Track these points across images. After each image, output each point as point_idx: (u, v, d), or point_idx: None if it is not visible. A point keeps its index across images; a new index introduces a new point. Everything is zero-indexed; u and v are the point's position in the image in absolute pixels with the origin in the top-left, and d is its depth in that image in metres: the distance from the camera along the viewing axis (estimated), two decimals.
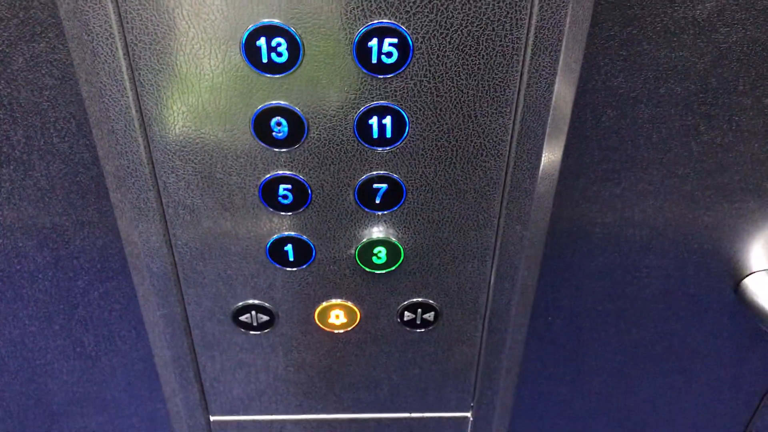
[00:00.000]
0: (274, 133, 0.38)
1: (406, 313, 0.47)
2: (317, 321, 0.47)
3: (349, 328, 0.47)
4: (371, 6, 0.34)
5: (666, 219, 0.49)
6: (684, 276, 0.52)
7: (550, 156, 0.40)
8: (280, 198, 0.41)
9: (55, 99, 0.42)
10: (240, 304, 0.46)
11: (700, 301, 0.54)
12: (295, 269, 0.44)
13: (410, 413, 0.54)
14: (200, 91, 0.36)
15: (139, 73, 0.36)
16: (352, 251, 0.43)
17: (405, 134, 0.38)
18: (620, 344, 0.57)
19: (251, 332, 0.47)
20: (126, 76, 0.36)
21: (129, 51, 0.35)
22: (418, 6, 0.34)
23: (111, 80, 0.36)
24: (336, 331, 0.48)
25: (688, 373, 0.60)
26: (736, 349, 0.58)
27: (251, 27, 0.34)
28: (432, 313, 0.47)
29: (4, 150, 0.44)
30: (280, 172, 0.40)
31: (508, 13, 0.34)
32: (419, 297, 0.46)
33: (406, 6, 0.34)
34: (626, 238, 0.50)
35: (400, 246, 0.43)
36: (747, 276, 0.52)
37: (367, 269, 0.44)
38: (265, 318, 0.47)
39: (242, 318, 0.46)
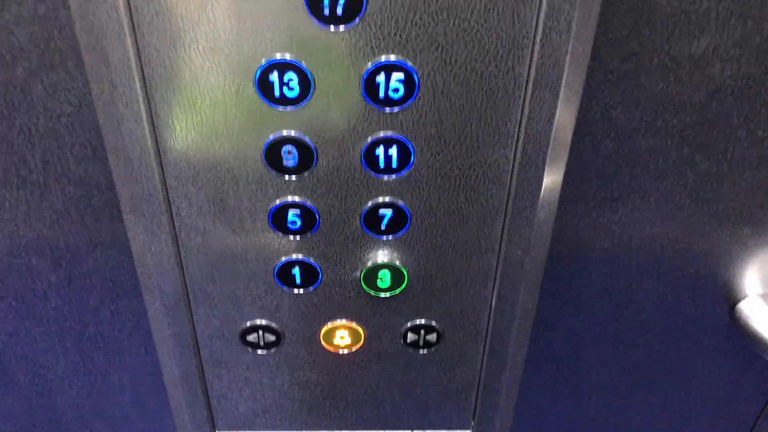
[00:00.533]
0: (284, 161, 0.39)
1: (409, 334, 0.48)
2: (322, 341, 0.48)
3: (353, 349, 0.49)
4: (379, 44, 0.35)
5: (663, 244, 0.50)
6: (680, 299, 0.54)
7: (550, 184, 0.41)
8: (288, 223, 0.42)
9: (72, 125, 0.43)
10: (248, 324, 0.47)
11: (696, 324, 0.55)
12: (301, 291, 0.46)
13: (411, 430, 0.55)
14: (214, 121, 0.38)
15: (156, 104, 0.37)
16: (358, 274, 0.45)
17: (410, 163, 0.40)
18: (618, 365, 0.59)
19: (258, 351, 0.49)
20: (143, 106, 0.37)
21: (146, 83, 0.37)
22: (424, 44, 0.35)
23: (128, 110, 0.37)
24: (340, 352, 0.49)
25: (684, 394, 0.61)
26: (732, 371, 0.59)
27: (265, 63, 0.36)
28: (434, 335, 0.48)
29: (22, 173, 0.45)
30: (290, 198, 0.41)
31: (510, 50, 0.36)
32: (422, 319, 0.47)
33: (412, 44, 0.35)
34: (624, 262, 0.51)
35: (404, 270, 0.44)
36: (741, 300, 0.53)
37: (372, 292, 0.45)
38: (272, 338, 0.48)
39: (249, 338, 0.48)
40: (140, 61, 0.36)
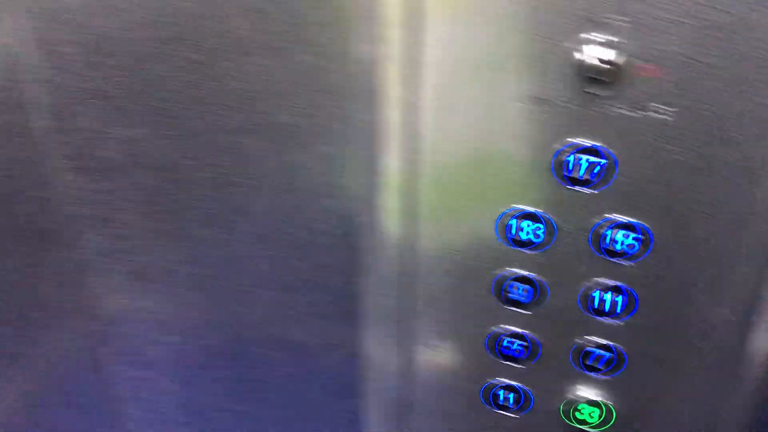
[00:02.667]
0: (510, 294, 0.43)
1: None
2: None
3: None
4: (618, 206, 0.39)
5: None
6: None
7: None
8: (502, 348, 0.46)
9: None
10: None
11: None
12: (504, 414, 0.49)
13: None
14: (462, 258, 0.44)
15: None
16: (564, 407, 0.47)
17: (633, 312, 0.42)
18: None
19: None
20: None
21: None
22: (660, 211, 0.38)
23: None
24: None
25: None
26: None
27: (506, 210, 0.41)
28: None
29: None
30: (515, 329, 0.45)
31: (738, 225, 0.38)
32: None
33: (650, 209, 0.39)
34: None
35: (613, 409, 0.46)
36: None
37: (575, 425, 0.47)
38: None
39: None
40: None
